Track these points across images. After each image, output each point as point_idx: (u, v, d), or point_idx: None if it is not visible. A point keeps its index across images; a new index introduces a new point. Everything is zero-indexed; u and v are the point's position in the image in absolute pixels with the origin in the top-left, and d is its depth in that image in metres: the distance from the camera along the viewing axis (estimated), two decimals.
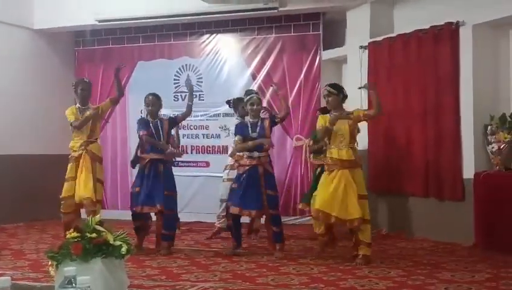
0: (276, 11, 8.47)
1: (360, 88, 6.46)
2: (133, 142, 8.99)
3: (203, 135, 9.32)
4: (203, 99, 9.29)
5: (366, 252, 5.76)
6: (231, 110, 9.06)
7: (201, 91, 9.37)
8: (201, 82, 9.40)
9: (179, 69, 9.55)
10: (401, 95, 7.58)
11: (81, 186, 6.65)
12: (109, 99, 7.30)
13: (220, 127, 9.10)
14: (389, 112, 7.70)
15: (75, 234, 3.48)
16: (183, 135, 9.30)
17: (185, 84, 6.98)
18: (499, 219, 6.34)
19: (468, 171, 6.77)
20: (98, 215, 6.54)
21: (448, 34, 6.96)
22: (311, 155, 7.62)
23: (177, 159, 7.24)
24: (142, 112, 9.44)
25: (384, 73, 7.83)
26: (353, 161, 5.82)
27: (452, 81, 6.93)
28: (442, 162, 7.03)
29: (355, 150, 5.91)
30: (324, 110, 6.33)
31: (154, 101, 6.69)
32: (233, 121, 8.78)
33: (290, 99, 8.85)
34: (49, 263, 3.46)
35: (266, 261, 5.83)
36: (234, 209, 6.16)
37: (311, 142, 7.29)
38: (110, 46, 9.92)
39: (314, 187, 6.62)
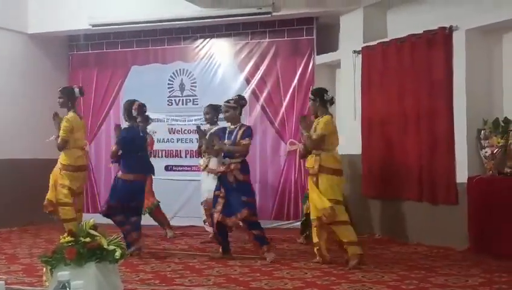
0: (269, 15, 8.52)
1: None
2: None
3: (196, 139, 9.29)
4: (197, 104, 9.30)
5: (354, 251, 5.77)
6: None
7: (195, 96, 9.38)
8: (195, 86, 9.42)
9: (173, 73, 9.56)
10: (394, 99, 7.60)
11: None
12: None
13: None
14: (382, 117, 7.75)
15: (69, 239, 3.48)
16: (177, 139, 9.33)
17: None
18: (492, 223, 6.35)
19: (462, 175, 6.78)
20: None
21: (441, 38, 6.99)
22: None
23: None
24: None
25: (378, 77, 7.86)
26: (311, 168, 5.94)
27: (445, 85, 6.95)
28: (436, 167, 7.05)
29: (320, 157, 5.93)
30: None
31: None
32: (227, 125, 8.84)
33: (284, 104, 8.88)
34: (43, 267, 3.45)
35: (260, 266, 5.83)
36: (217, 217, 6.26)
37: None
38: (104, 50, 9.91)
39: None
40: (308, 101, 8.69)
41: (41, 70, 9.66)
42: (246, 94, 9.04)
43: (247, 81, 9.17)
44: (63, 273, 2.16)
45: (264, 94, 9.01)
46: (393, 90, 7.62)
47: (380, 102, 7.82)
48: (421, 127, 7.23)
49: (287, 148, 8.89)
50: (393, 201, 7.64)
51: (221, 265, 5.85)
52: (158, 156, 9.15)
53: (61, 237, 3.68)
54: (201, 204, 7.45)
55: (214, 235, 6.69)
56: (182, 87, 9.49)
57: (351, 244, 5.80)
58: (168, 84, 9.53)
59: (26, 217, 8.77)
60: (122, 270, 4.99)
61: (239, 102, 6.49)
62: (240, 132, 6.35)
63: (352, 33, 8.35)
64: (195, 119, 9.24)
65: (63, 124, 6.79)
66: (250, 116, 9.06)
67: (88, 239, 3.50)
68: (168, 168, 9.35)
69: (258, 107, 9.08)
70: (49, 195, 7.07)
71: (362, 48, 8.10)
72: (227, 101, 6.50)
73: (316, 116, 6.23)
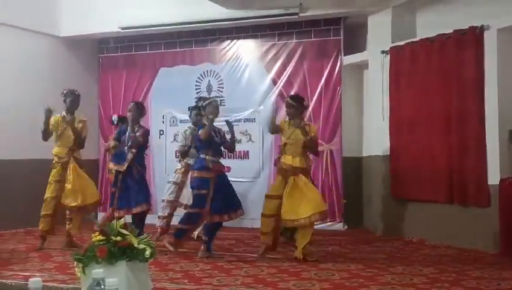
0: (296, 16, 8.50)
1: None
2: (155, 148, 9.08)
3: None
4: (224, 105, 9.31)
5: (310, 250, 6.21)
6: (253, 116, 9.13)
7: (223, 97, 9.40)
8: (223, 88, 9.45)
9: (200, 75, 9.61)
10: (423, 100, 7.52)
11: (88, 188, 7.07)
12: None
13: (241, 132, 9.11)
14: (411, 118, 7.67)
15: (100, 237, 3.51)
16: None
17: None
18: None
19: (494, 177, 6.68)
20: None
21: (472, 38, 6.89)
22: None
23: None
24: (164, 117, 9.54)
25: (406, 78, 7.79)
26: (304, 168, 6.34)
27: (476, 86, 6.85)
28: (467, 168, 6.95)
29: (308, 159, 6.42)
30: None
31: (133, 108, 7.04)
32: (253, 126, 8.87)
33: (311, 105, 8.85)
34: (75, 265, 3.49)
35: (288, 266, 5.82)
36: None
37: None
38: (133, 52, 10.02)
39: None
40: (335, 102, 8.76)
41: (72, 73, 9.77)
42: (273, 95, 9.07)
43: (274, 82, 9.17)
44: (98, 271, 2.18)
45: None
46: (422, 91, 7.54)
47: (408, 103, 7.74)
48: (451, 128, 7.13)
49: None
50: (423, 203, 7.56)
51: (249, 265, 5.86)
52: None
53: (92, 235, 3.72)
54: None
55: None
56: (209, 88, 9.53)
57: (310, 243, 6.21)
58: (196, 85, 9.58)
59: (59, 217, 8.86)
60: (152, 269, 5.01)
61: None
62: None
63: (380, 33, 8.30)
64: (222, 121, 9.25)
65: None
66: (277, 118, 9.04)
67: (119, 238, 3.52)
68: None
69: (284, 109, 9.04)
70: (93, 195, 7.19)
71: (390, 48, 8.03)
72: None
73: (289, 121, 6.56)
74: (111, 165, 7.67)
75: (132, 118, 6.94)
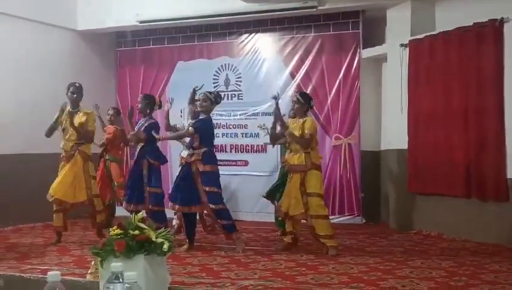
0: (315, 9, 8.46)
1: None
2: (173, 141, 9.10)
3: (242, 134, 9.37)
4: (242, 99, 9.36)
5: (333, 243, 6.20)
6: (270, 109, 9.09)
7: (240, 90, 9.43)
8: (240, 81, 9.46)
9: (218, 68, 9.63)
10: (442, 93, 7.46)
11: (77, 189, 6.93)
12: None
13: (258, 126, 9.07)
14: (430, 111, 7.62)
15: (118, 231, 3.54)
16: (222, 134, 9.39)
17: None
18: None
19: None
20: (98, 207, 6.95)
21: (492, 31, 6.82)
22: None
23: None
24: (182, 111, 9.55)
25: (425, 71, 7.73)
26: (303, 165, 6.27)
27: (496, 79, 6.78)
28: (485, 163, 6.90)
29: (308, 155, 6.29)
30: None
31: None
32: (271, 120, 8.84)
33: (329, 99, 8.83)
34: (93, 259, 3.52)
35: (306, 260, 5.83)
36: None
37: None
38: (151, 46, 10.06)
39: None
40: (353, 95, 8.73)
41: (90, 67, 9.85)
42: (291, 89, 9.06)
43: (292, 76, 9.16)
44: (116, 265, 2.20)
45: (309, 89, 8.97)
46: (441, 85, 7.48)
47: (427, 96, 7.69)
48: (470, 122, 7.07)
49: (332, 143, 8.85)
50: (441, 197, 7.51)
51: (267, 259, 5.88)
52: None
53: (110, 229, 3.76)
54: None
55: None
56: (227, 82, 9.55)
57: (329, 238, 6.22)
58: (214, 79, 9.59)
59: (76, 211, 8.96)
60: (170, 263, 5.05)
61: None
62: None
63: (399, 26, 8.24)
64: (240, 114, 9.30)
65: None
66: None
67: (137, 232, 3.55)
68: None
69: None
70: (80, 194, 7.03)
71: (409, 41, 7.98)
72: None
73: (293, 117, 6.65)
74: None
75: (140, 110, 6.98)
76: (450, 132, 7.36)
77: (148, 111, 7.00)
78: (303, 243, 6.89)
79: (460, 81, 7.22)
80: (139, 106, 7.00)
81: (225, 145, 9.38)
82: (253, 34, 9.47)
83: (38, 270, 5.19)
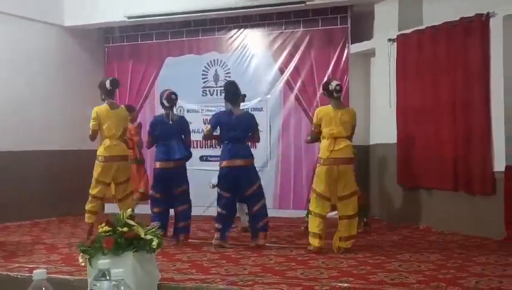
0: (303, 5, 8.48)
1: None
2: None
3: None
4: None
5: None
6: (259, 105, 9.14)
7: None
8: (229, 77, 9.42)
9: (207, 64, 9.62)
10: (430, 88, 7.50)
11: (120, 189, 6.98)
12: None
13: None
14: (418, 106, 7.67)
15: (107, 228, 3.55)
16: None
17: None
18: None
19: (499, 164, 6.67)
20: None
21: (478, 25, 6.86)
22: None
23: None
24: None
25: (413, 66, 7.77)
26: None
27: (482, 73, 6.83)
28: (472, 156, 6.94)
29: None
30: None
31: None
32: (260, 115, 8.83)
33: (318, 94, 8.84)
34: (80, 255, 3.52)
35: (295, 255, 5.85)
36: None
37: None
38: (139, 42, 10.03)
39: None
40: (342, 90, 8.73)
41: (78, 63, 9.82)
42: (280, 84, 9.07)
43: (281, 71, 9.17)
44: (103, 262, 2.21)
45: (298, 84, 9.00)
46: (429, 79, 7.53)
47: (415, 91, 7.73)
48: (457, 116, 7.12)
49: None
50: (430, 191, 7.58)
51: (257, 255, 5.88)
52: (193, 147, 9.19)
53: (99, 227, 3.76)
54: None
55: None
56: (216, 77, 9.54)
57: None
58: (203, 75, 9.59)
59: (64, 208, 8.95)
60: (159, 259, 5.06)
61: None
62: None
63: (387, 21, 8.27)
64: None
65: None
66: (284, 106, 9.08)
67: (125, 229, 3.56)
68: (202, 158, 9.40)
69: (292, 97, 9.09)
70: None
71: (397, 36, 8.01)
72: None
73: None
74: None
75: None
76: (438, 126, 7.41)
77: None
78: (293, 238, 6.92)
79: (447, 76, 7.26)
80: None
81: (214, 141, 9.36)
82: (242, 30, 9.46)
83: (26, 269, 5.14)
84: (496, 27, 6.72)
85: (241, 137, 6.41)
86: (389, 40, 8.10)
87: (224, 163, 6.39)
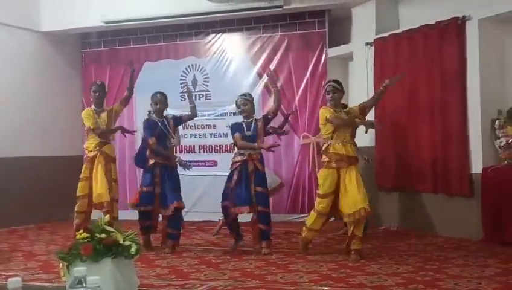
0: (281, 9, 8.49)
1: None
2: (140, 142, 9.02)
3: (210, 134, 9.35)
4: (210, 99, 9.32)
5: (358, 247, 5.87)
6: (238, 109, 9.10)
7: (208, 91, 9.40)
8: (208, 82, 9.43)
9: (185, 69, 9.58)
10: (407, 91, 7.56)
11: (98, 188, 6.87)
12: (119, 101, 7.40)
13: (227, 126, 9.06)
14: (395, 108, 7.72)
15: (85, 235, 3.51)
16: (191, 135, 9.35)
17: (185, 89, 7.02)
18: (507, 213, 6.33)
19: (477, 166, 6.75)
20: (115, 214, 6.77)
21: (454, 29, 6.94)
22: None
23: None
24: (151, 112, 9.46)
25: (391, 69, 7.80)
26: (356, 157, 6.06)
27: (459, 76, 6.91)
28: (450, 158, 7.01)
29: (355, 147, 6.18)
30: None
31: (161, 100, 6.77)
32: (239, 120, 8.80)
33: (297, 97, 8.86)
34: (60, 263, 3.48)
35: (275, 259, 5.85)
36: (233, 209, 6.35)
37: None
38: (117, 47, 9.96)
39: None
40: (320, 94, 8.74)
41: (55, 68, 9.72)
42: (259, 88, 9.07)
43: (260, 75, 9.16)
44: (79, 269, 2.18)
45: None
46: (406, 82, 7.56)
47: (393, 94, 7.74)
48: (435, 119, 7.19)
49: (300, 142, 8.88)
50: (408, 193, 7.63)
51: (237, 259, 5.88)
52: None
53: (77, 233, 3.72)
54: None
55: (227, 226, 6.76)
56: (194, 82, 9.50)
57: (360, 240, 5.96)
58: (181, 79, 9.53)
59: (42, 215, 8.85)
60: (138, 265, 5.02)
61: (251, 96, 6.70)
62: (260, 124, 6.54)
63: (364, 25, 8.32)
64: (208, 115, 9.26)
65: None
66: (263, 110, 9.06)
67: (104, 235, 3.52)
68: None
69: (271, 101, 9.07)
70: (101, 192, 6.95)
71: (374, 39, 8.06)
72: (244, 95, 6.68)
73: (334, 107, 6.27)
74: None
75: None
76: (415, 128, 7.47)
77: None
78: (274, 241, 6.92)
79: (424, 78, 7.33)
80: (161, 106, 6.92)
81: (193, 145, 9.35)
82: (219, 34, 9.45)
83: (3, 277, 5.09)
84: (471, 30, 6.81)
85: None
86: (367, 43, 8.15)
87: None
